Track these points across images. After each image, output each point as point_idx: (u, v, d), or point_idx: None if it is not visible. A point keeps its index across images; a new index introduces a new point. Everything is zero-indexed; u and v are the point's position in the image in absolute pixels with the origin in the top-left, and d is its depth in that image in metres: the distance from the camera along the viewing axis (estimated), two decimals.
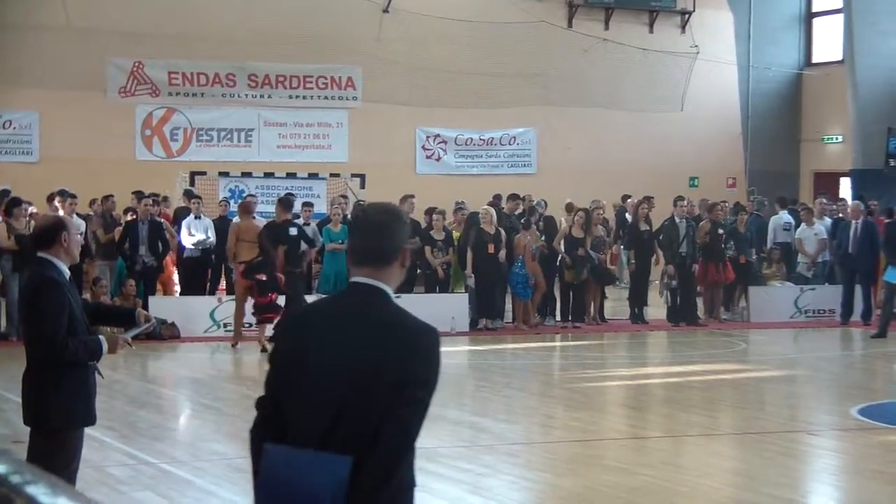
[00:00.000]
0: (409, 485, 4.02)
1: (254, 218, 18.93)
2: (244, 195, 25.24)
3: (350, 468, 3.84)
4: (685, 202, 22.19)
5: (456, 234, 21.53)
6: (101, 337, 6.77)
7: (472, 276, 20.45)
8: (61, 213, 19.34)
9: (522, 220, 21.45)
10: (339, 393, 3.91)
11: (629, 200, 25.95)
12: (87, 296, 16.77)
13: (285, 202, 19.21)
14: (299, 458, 3.92)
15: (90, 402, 6.77)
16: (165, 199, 22.67)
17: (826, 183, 31.54)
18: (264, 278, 17.86)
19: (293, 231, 18.59)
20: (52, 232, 6.69)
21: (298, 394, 3.98)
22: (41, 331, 6.53)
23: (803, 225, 23.43)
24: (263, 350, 17.13)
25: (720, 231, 22.13)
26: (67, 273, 6.72)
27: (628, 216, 24.67)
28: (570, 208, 23.58)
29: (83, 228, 7.10)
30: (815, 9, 33.67)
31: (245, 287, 18.03)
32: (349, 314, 4.03)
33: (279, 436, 3.99)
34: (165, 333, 18.31)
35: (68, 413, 6.60)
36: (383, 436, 3.88)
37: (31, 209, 19.93)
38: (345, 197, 24.44)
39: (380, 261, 4.05)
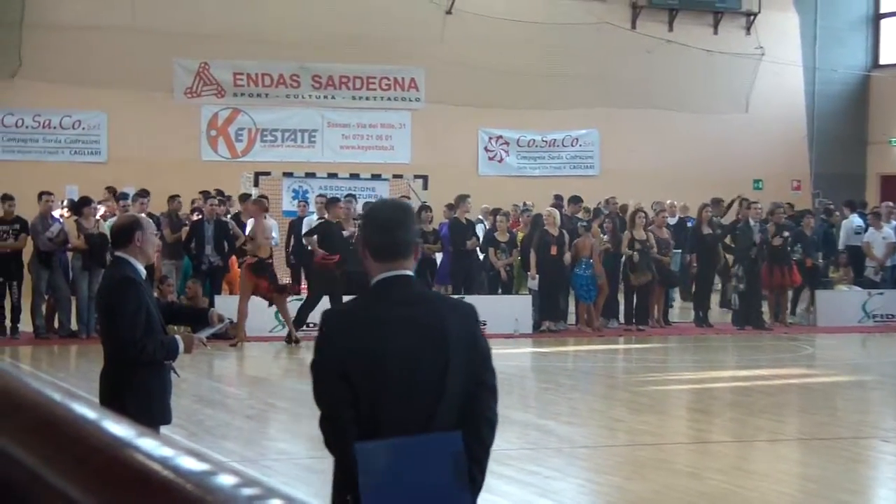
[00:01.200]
0: None
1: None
2: (307, 196, 25.42)
3: (461, 440, 4.10)
4: (758, 205, 21.99)
5: (520, 236, 21.52)
6: (177, 337, 6.82)
7: (536, 276, 20.41)
8: (132, 211, 19.60)
9: (582, 224, 21.36)
10: (437, 373, 4.13)
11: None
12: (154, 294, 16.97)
13: (332, 201, 19.71)
14: (407, 445, 4.08)
15: (166, 400, 6.82)
16: (229, 198, 22.83)
17: (894, 186, 31.15)
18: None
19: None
20: (127, 231, 6.75)
21: (395, 386, 4.10)
22: (119, 330, 6.57)
23: (871, 229, 23.17)
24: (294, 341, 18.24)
25: (786, 234, 21.94)
26: (143, 272, 6.76)
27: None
28: (623, 209, 23.42)
29: (154, 229, 7.08)
30: (882, 10, 33.29)
31: (253, 283, 18.38)
32: (412, 303, 4.23)
33: (365, 435, 4.05)
34: (231, 333, 18.42)
35: (145, 412, 6.62)
36: (483, 405, 4.20)
37: (101, 209, 20.18)
38: (407, 198, 24.44)
39: (403, 255, 4.24)
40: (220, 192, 21.49)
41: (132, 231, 6.71)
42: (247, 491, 1.24)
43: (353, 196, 22.11)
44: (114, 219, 19.82)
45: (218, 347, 17.59)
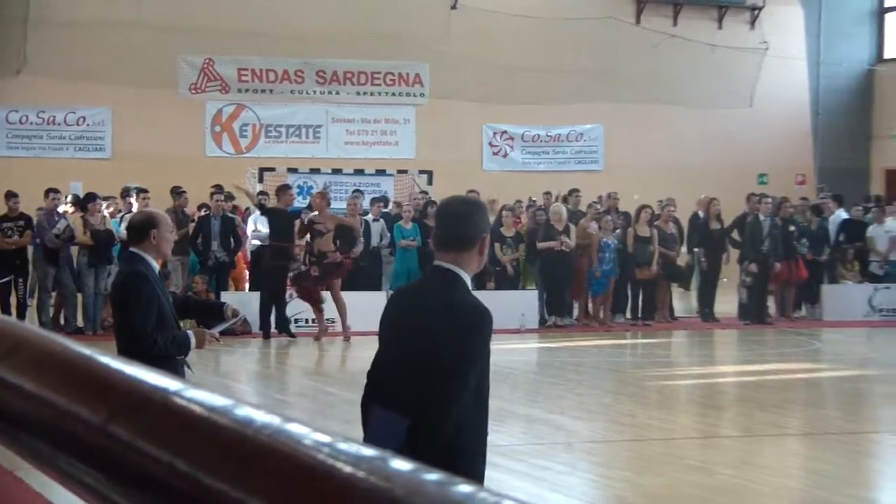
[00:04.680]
0: (473, 450, 4.51)
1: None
2: (311, 191, 25.34)
3: (405, 429, 4.38)
4: (769, 199, 21.92)
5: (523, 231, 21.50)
6: (189, 332, 6.81)
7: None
8: (135, 207, 19.55)
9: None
10: (404, 363, 4.48)
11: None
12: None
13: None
14: (375, 415, 4.56)
15: None
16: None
17: None
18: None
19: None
20: (144, 228, 6.73)
21: (385, 363, 4.62)
22: (131, 325, 6.57)
23: (875, 223, 23.10)
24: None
25: (791, 228, 21.91)
26: (156, 268, 6.75)
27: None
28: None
29: (171, 227, 7.11)
30: (887, 4, 33.22)
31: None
32: (422, 293, 4.68)
33: (377, 399, 4.60)
34: (238, 329, 18.38)
35: None
36: (432, 403, 4.38)
37: (104, 205, 20.11)
38: (425, 193, 24.30)
39: (459, 247, 4.53)
40: (219, 188, 21.39)
41: (149, 228, 6.68)
42: (430, 476, 1.16)
43: (361, 192, 22.08)
44: (123, 215, 19.88)
45: (224, 343, 17.55)
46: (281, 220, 18.97)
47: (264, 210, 19.66)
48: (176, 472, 1.34)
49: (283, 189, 19.69)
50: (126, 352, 6.69)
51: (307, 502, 1.19)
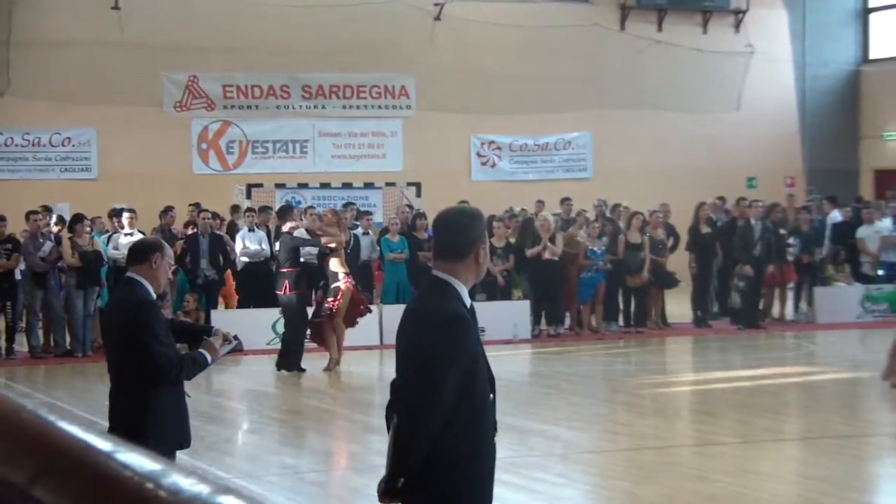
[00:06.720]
0: (461, 454, 4.52)
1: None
2: (300, 206, 25.19)
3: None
4: (760, 203, 21.85)
5: (512, 240, 21.39)
6: (201, 351, 6.65)
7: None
8: (127, 229, 19.38)
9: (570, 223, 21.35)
10: (397, 368, 4.68)
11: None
12: None
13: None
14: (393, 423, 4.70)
15: (185, 423, 6.64)
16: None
17: (888, 180, 31.06)
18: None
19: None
20: (146, 251, 6.56)
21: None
22: (154, 354, 6.34)
23: (864, 224, 23.03)
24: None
25: (782, 231, 21.85)
26: (153, 294, 6.60)
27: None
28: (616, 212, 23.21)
29: (172, 259, 6.97)
30: (871, 4, 33.24)
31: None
32: (414, 301, 4.99)
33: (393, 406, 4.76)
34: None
35: (163, 436, 6.34)
36: (408, 407, 4.47)
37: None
38: (411, 207, 24.15)
39: (454, 256, 4.56)
40: (197, 205, 21.22)
41: (151, 252, 6.51)
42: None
43: (353, 204, 21.94)
44: (111, 236, 19.74)
45: (216, 361, 17.35)
46: (291, 245, 17.53)
47: (277, 234, 18.52)
48: None
49: (286, 211, 18.09)
50: (141, 379, 6.42)
51: None
